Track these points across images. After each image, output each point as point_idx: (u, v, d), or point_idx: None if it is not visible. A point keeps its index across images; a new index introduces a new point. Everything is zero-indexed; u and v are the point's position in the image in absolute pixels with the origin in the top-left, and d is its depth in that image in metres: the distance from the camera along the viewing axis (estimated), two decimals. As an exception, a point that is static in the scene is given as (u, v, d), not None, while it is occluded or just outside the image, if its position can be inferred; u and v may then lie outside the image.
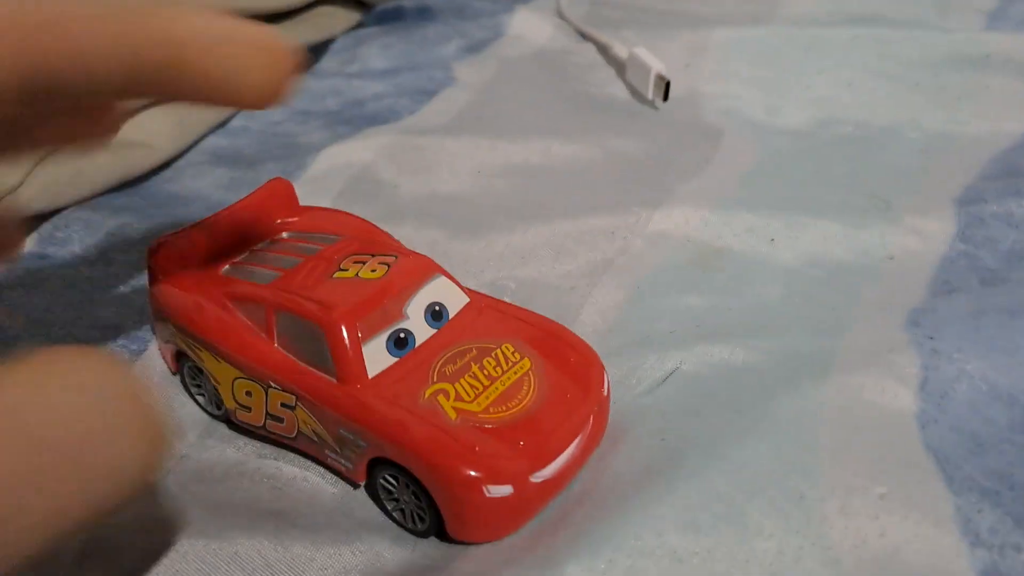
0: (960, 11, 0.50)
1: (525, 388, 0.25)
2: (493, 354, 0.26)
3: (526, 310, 0.28)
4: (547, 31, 0.52)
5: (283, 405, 0.26)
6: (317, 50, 0.52)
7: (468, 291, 0.28)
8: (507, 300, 0.29)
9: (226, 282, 0.28)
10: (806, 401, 0.27)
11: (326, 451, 0.26)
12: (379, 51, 0.51)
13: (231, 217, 0.30)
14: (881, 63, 0.45)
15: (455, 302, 0.28)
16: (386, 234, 0.32)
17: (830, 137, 0.42)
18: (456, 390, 0.25)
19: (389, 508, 0.25)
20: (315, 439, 0.26)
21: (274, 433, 0.27)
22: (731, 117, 0.44)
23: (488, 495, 0.23)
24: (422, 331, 0.26)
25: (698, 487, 0.24)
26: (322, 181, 0.40)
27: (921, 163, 0.40)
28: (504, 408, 0.25)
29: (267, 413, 0.27)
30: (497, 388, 0.25)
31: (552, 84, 0.48)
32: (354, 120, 0.44)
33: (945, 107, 0.43)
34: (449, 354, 0.26)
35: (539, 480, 0.24)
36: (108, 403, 0.15)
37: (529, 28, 0.52)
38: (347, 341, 0.25)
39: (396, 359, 0.26)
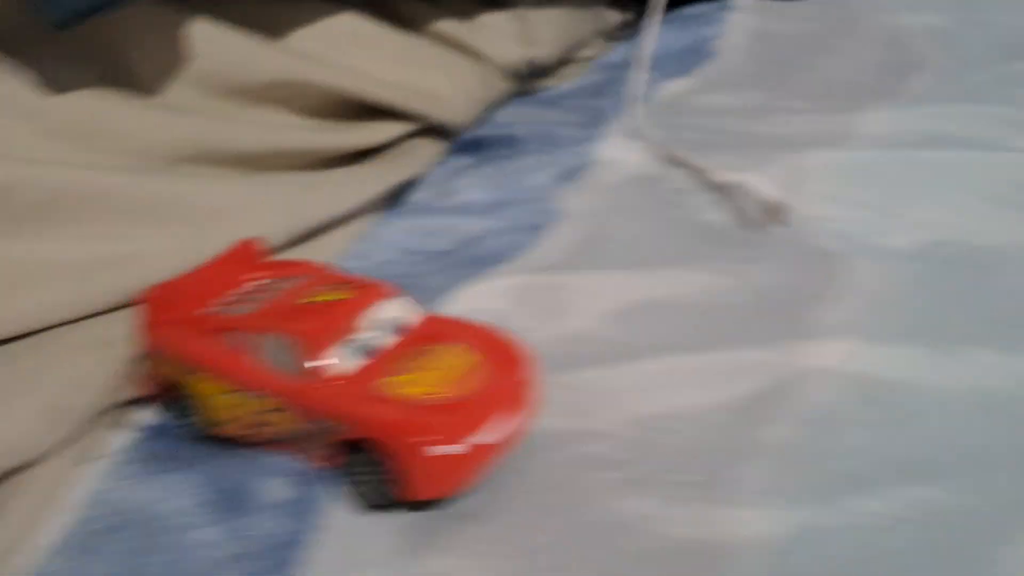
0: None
1: (467, 376, 0.32)
2: (443, 352, 0.33)
3: (476, 322, 0.35)
4: (636, 156, 0.53)
5: (268, 410, 0.33)
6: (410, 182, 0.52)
7: (428, 312, 0.36)
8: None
9: (210, 319, 0.35)
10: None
11: (301, 443, 0.32)
12: (476, 183, 0.51)
13: (208, 271, 0.38)
14: (981, 186, 0.47)
15: (413, 317, 0.35)
16: (343, 273, 0.38)
17: (945, 258, 0.43)
18: (412, 379, 0.32)
19: (355, 489, 0.32)
20: (292, 435, 0.32)
21: (259, 437, 0.33)
22: (846, 241, 0.45)
23: (428, 453, 0.30)
24: (382, 340, 0.34)
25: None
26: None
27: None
28: (447, 391, 0.32)
29: (254, 420, 0.33)
30: (443, 377, 0.32)
31: (656, 211, 0.48)
32: (476, 261, 0.44)
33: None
34: (405, 356, 0.33)
35: (474, 443, 0.30)
36: None
37: (619, 154, 0.53)
38: (316, 350, 0.32)
39: (361, 361, 0.33)
